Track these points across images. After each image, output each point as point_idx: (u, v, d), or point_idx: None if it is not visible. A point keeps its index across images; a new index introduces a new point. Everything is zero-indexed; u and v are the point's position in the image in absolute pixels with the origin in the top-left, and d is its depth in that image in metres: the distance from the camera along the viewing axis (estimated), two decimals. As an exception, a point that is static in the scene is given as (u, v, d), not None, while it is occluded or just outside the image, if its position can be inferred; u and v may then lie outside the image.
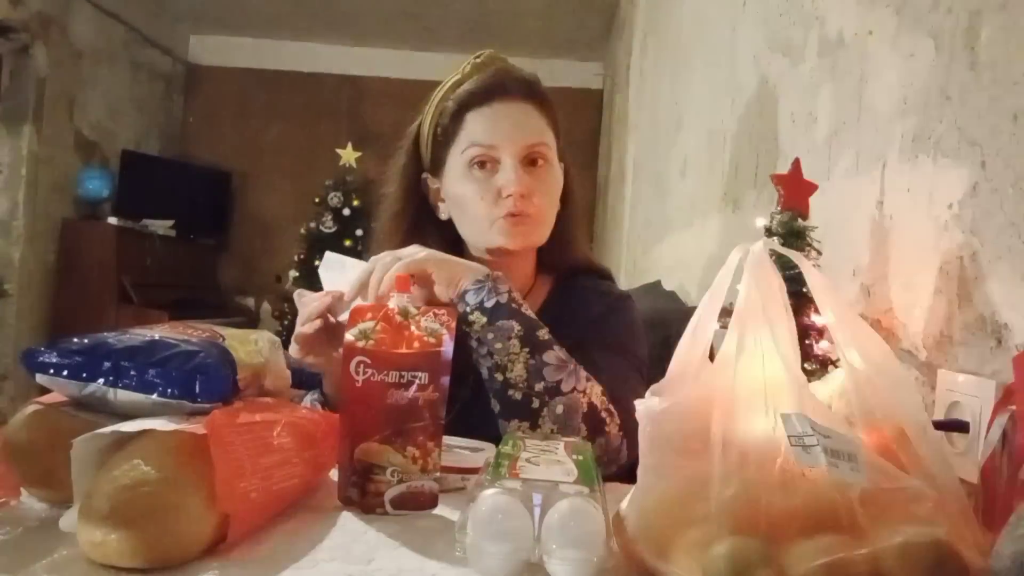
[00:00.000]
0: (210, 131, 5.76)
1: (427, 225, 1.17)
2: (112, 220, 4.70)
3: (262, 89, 5.74)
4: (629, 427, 0.99)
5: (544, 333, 0.98)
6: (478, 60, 1.15)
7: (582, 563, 0.56)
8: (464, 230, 1.14)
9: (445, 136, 1.13)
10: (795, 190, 0.91)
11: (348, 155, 5.33)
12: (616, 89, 4.73)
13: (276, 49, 5.72)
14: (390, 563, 0.61)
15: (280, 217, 5.66)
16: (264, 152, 5.73)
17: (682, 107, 2.49)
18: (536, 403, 0.94)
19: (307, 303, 0.97)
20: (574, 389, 0.95)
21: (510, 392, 0.94)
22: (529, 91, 1.13)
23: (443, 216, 1.17)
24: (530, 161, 1.10)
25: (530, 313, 0.99)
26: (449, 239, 1.16)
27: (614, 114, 4.78)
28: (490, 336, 0.95)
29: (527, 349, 0.95)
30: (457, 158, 1.12)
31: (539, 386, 0.94)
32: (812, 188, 0.92)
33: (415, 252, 0.98)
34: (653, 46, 3.26)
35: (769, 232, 0.89)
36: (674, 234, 2.46)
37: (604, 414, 0.96)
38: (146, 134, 5.42)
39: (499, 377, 0.95)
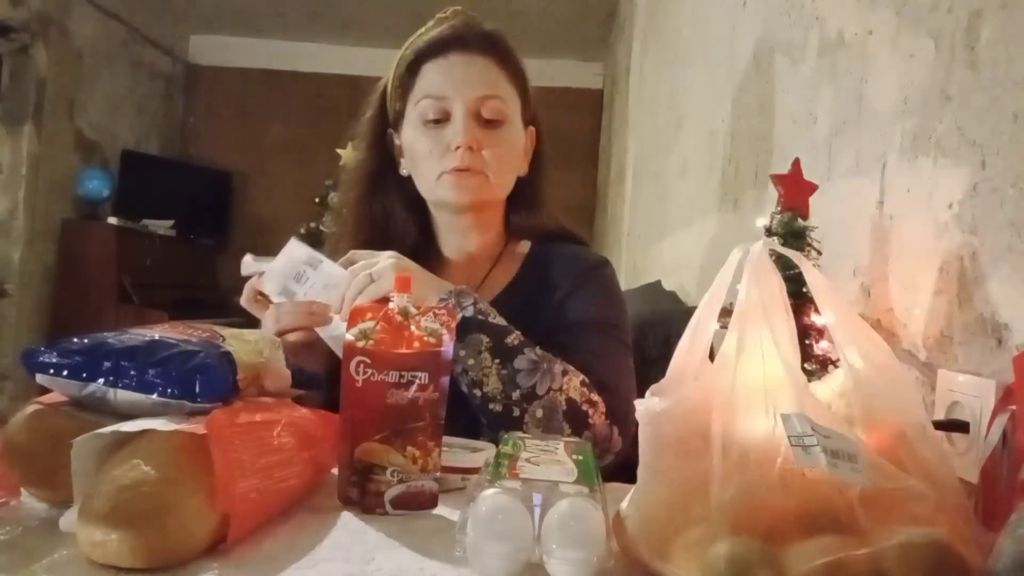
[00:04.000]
0: (210, 131, 5.75)
1: (388, 182, 1.15)
2: (112, 220, 4.69)
3: (262, 89, 5.73)
4: (620, 411, 0.97)
5: (513, 338, 0.97)
6: (444, 15, 1.13)
7: (582, 563, 0.56)
8: (419, 186, 1.12)
9: (403, 88, 1.11)
10: (795, 190, 0.91)
11: (348, 155, 5.32)
12: (616, 89, 4.72)
13: (276, 49, 5.71)
14: (390, 563, 0.61)
15: (280, 217, 5.63)
16: (264, 152, 5.72)
17: (682, 107, 2.49)
18: (516, 411, 0.94)
19: (285, 312, 1.00)
20: (549, 389, 0.94)
21: (491, 406, 0.95)
22: (489, 45, 1.10)
23: (403, 172, 1.14)
24: (485, 116, 1.07)
25: (498, 320, 0.98)
26: (410, 196, 1.14)
27: (614, 114, 4.78)
28: (462, 353, 0.94)
29: (498, 360, 0.94)
30: (412, 110, 1.10)
31: (515, 394, 0.94)
32: (812, 188, 0.92)
33: (385, 268, 0.95)
34: (653, 46, 3.25)
35: (769, 232, 0.89)
36: (674, 234, 2.46)
37: (585, 407, 0.96)
38: (146, 134, 5.42)
39: (477, 393, 0.95)
